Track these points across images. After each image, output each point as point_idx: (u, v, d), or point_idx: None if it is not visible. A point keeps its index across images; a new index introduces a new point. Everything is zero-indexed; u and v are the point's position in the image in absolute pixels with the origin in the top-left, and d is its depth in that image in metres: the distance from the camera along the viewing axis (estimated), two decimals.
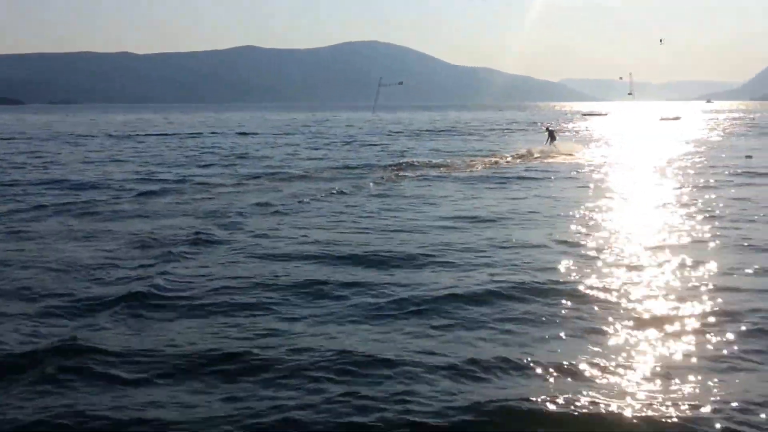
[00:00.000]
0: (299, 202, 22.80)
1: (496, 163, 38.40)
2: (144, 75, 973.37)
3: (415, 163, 37.12)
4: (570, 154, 43.27)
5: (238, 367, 8.39)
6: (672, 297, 11.30)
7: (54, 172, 33.36)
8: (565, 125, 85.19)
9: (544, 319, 10.28)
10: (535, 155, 41.75)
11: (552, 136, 47.32)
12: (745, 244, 15.48)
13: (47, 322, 10.30)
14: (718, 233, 16.69)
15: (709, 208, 20.62)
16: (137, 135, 72.26)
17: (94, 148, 52.88)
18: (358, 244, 15.68)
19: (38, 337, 9.51)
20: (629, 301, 11.07)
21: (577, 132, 66.89)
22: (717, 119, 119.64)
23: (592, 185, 27.38)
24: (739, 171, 31.63)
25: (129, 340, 9.44)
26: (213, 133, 77.10)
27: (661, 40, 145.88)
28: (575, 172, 32.46)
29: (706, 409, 7.18)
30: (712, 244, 15.43)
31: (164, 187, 26.89)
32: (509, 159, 40.67)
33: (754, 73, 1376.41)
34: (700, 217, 19.17)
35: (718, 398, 7.49)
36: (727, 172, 31.23)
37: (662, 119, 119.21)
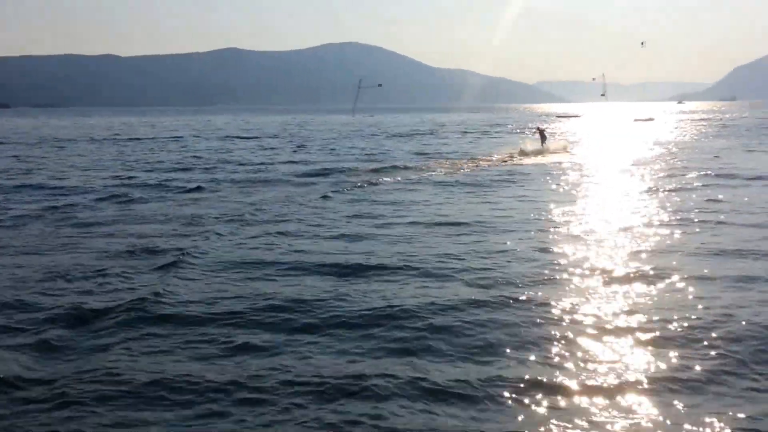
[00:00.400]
0: (276, 207, 22.56)
1: (483, 163, 38.62)
2: (128, 77, 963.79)
3: (395, 166, 36.95)
4: (560, 153, 45.04)
5: (205, 387, 8.10)
6: (641, 306, 11.18)
7: (34, 178, 32.81)
8: (548, 126, 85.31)
9: (510, 331, 10.06)
10: (529, 154, 43.24)
11: (543, 136, 48.80)
12: (714, 249, 15.46)
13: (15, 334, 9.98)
14: (687, 239, 16.70)
15: (681, 212, 20.66)
16: (118, 138, 71.46)
17: (76, 152, 52.20)
18: (334, 253, 15.43)
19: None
20: (598, 311, 10.91)
21: (553, 134, 67.04)
22: (688, 120, 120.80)
23: (568, 187, 27.41)
24: (709, 173, 31.88)
25: (86, 361, 9.13)
26: (195, 136, 76.51)
27: (642, 43, 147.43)
28: (553, 174, 32.49)
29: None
30: (681, 250, 15.32)
31: (141, 195, 26.44)
32: (498, 158, 41.17)
33: (722, 75, 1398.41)
34: (671, 221, 19.17)
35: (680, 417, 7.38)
36: (697, 174, 31.40)
37: (636, 120, 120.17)
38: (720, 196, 23.85)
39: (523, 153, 43.64)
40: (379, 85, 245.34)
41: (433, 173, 33.75)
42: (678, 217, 19.60)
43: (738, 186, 27.24)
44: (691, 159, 40.37)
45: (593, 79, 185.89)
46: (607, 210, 21.67)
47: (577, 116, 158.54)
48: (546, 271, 13.45)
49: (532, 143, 47.52)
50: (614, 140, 63.04)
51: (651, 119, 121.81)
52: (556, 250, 15.53)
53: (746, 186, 27.28)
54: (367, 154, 47.24)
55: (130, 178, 32.86)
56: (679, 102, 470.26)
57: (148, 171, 36.51)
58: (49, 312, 11.08)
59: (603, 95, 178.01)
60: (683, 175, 31.31)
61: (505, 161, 40.66)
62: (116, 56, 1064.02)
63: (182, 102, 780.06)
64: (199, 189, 27.69)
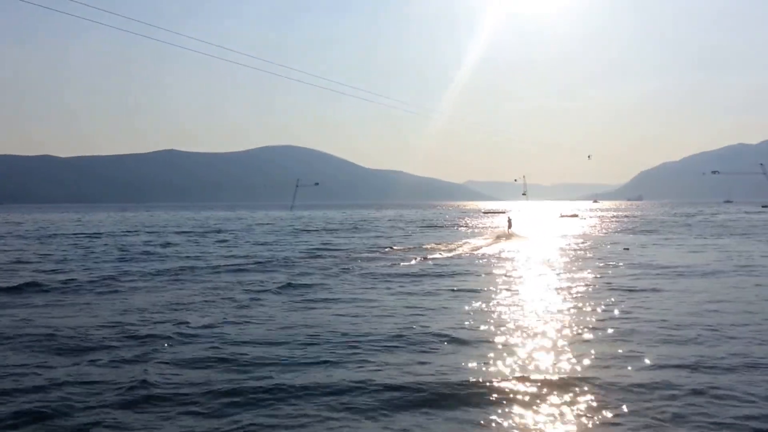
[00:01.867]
0: (208, 300, 21.68)
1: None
2: (66, 177, 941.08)
3: (334, 257, 36.58)
4: (521, 238, 54.16)
5: None
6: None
7: None
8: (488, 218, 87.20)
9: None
10: (502, 237, 54.29)
11: (510, 224, 62.11)
12: (622, 328, 15.99)
13: None
14: (602, 319, 17.15)
15: (596, 296, 21.39)
16: (52, 235, 68.71)
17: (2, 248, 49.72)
18: (260, 345, 14.73)
19: None
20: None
21: (494, 228, 68.73)
22: (603, 216, 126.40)
23: (503, 274, 27.62)
24: (620, 263, 33.05)
25: None
26: (127, 232, 74.17)
27: (589, 156, 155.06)
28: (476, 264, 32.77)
29: None
30: (592, 334, 15.61)
31: (73, 287, 25.07)
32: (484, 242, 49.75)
33: (629, 177, 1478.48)
34: (586, 304, 19.67)
35: None
36: (612, 263, 32.92)
37: (562, 216, 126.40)
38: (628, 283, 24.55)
39: (499, 236, 54.65)
40: (316, 183, 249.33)
41: (376, 263, 33.47)
42: (591, 302, 20.00)
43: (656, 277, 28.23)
44: (603, 250, 42.21)
45: (515, 180, 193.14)
46: (534, 296, 21.87)
47: (501, 212, 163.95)
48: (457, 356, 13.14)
49: (504, 230, 61.35)
50: (546, 233, 65.71)
51: (575, 215, 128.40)
52: (475, 336, 15.35)
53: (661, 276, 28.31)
54: (305, 247, 46.61)
55: (55, 271, 31.24)
56: (595, 201, 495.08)
57: (78, 265, 34.85)
58: None
59: (524, 194, 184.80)
60: (593, 264, 32.48)
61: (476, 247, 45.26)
62: (54, 156, 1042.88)
63: (123, 199, 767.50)
64: (129, 281, 26.49)
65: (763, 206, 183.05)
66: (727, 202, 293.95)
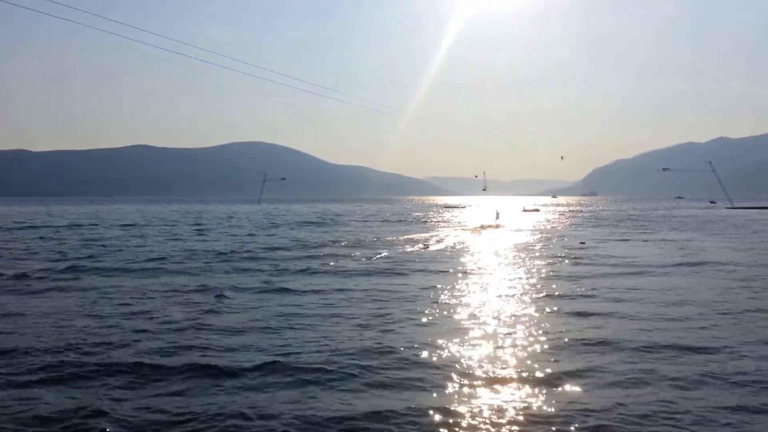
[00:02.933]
0: (165, 296, 21.06)
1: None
2: (42, 171, 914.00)
3: (299, 252, 36.08)
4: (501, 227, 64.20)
5: None
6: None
7: None
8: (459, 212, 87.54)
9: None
10: (490, 225, 66.16)
11: (497, 215, 78.18)
12: (573, 311, 16.22)
13: None
14: (555, 306, 17.22)
15: (552, 287, 21.55)
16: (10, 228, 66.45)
17: None
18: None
19: None
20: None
21: (452, 222, 68.95)
22: (562, 212, 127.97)
23: (460, 269, 27.59)
24: (574, 255, 33.52)
25: None
26: (94, 224, 72.02)
27: (562, 157, 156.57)
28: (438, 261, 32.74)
29: None
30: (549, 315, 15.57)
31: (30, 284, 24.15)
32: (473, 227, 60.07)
33: (583, 174, 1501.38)
34: (541, 295, 19.78)
35: None
36: (565, 254, 33.59)
37: (525, 210, 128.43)
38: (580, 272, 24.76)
39: (484, 226, 65.55)
40: (283, 178, 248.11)
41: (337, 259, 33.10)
42: (546, 294, 20.08)
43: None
44: (560, 243, 42.73)
45: (476, 176, 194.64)
46: (490, 288, 21.88)
47: (463, 207, 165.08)
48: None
49: (492, 219, 76.27)
50: (512, 226, 66.88)
51: (537, 209, 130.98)
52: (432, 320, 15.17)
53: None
54: (268, 240, 45.89)
55: (12, 267, 30.12)
56: (554, 196, 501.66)
57: (40, 260, 33.68)
58: None
59: (484, 190, 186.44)
60: (552, 257, 32.92)
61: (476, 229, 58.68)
62: (28, 151, 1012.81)
63: (96, 193, 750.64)
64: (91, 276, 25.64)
65: (710, 201, 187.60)
66: (679, 198, 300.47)
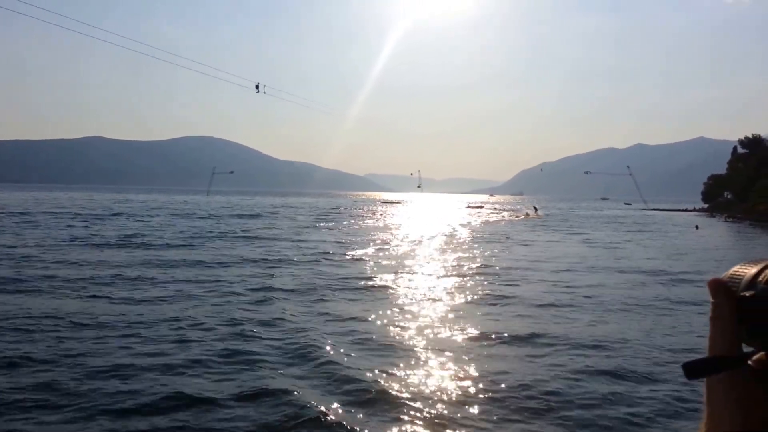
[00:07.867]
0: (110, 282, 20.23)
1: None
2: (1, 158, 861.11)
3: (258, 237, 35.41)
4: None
5: None
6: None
7: None
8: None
9: None
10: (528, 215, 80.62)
11: (535, 209, 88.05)
12: (502, 295, 16.57)
13: None
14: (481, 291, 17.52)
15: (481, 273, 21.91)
16: None
17: None
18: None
19: None
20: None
21: (389, 218, 68.81)
22: (499, 210, 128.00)
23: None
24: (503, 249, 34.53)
25: None
26: (47, 212, 68.14)
27: (541, 169, 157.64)
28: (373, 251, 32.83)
29: None
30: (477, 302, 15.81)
31: None
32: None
33: (511, 175, 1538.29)
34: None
35: None
36: (497, 249, 34.20)
37: (469, 206, 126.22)
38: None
39: (527, 215, 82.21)
40: (231, 171, 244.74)
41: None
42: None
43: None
44: (490, 239, 43.51)
45: (411, 174, 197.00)
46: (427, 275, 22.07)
47: (398, 203, 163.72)
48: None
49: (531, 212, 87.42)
50: (461, 222, 66.60)
51: (481, 206, 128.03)
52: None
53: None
54: (217, 230, 44.68)
55: None
56: (491, 195, 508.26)
57: None
58: None
59: (419, 187, 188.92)
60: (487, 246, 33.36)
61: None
62: None
63: (52, 181, 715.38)
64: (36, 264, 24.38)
65: (625, 203, 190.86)
66: (604, 199, 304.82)
